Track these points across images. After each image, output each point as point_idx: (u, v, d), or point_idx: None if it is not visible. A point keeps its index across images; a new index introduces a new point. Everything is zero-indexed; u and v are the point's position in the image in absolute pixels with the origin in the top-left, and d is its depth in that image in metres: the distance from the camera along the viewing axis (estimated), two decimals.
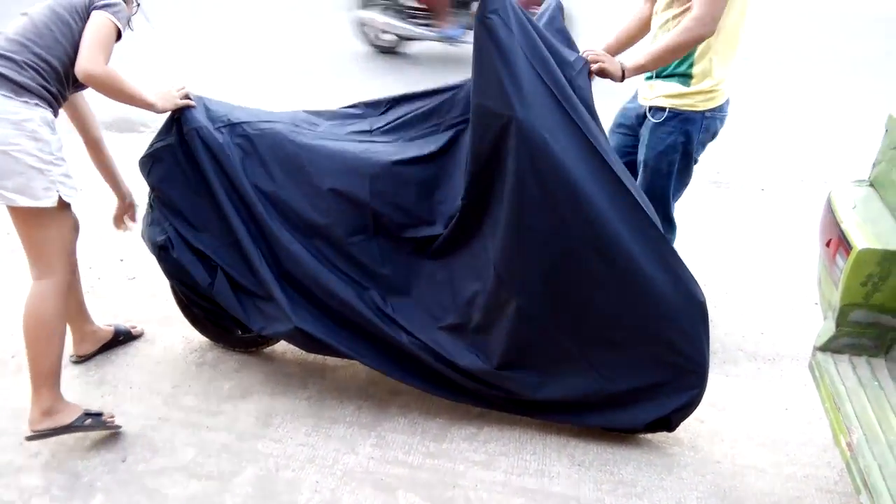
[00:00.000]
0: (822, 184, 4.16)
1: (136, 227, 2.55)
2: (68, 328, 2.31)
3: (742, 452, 2.27)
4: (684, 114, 2.35)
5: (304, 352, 2.59)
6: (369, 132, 2.34)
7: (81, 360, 2.58)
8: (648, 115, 2.41)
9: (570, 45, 2.11)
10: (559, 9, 2.21)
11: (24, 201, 1.98)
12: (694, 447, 2.29)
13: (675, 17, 2.26)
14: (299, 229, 2.22)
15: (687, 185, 2.55)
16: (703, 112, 2.34)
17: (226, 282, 2.26)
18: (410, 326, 2.17)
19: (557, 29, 2.09)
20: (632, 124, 2.56)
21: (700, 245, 3.52)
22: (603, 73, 2.13)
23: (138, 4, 2.26)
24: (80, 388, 2.46)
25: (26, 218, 2.04)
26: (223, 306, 2.30)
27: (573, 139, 1.88)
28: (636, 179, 2.45)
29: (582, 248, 1.97)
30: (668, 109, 2.35)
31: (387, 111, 2.38)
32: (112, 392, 2.45)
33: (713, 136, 2.44)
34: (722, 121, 2.43)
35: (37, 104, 1.98)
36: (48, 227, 2.07)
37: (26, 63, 1.97)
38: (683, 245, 3.52)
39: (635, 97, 2.56)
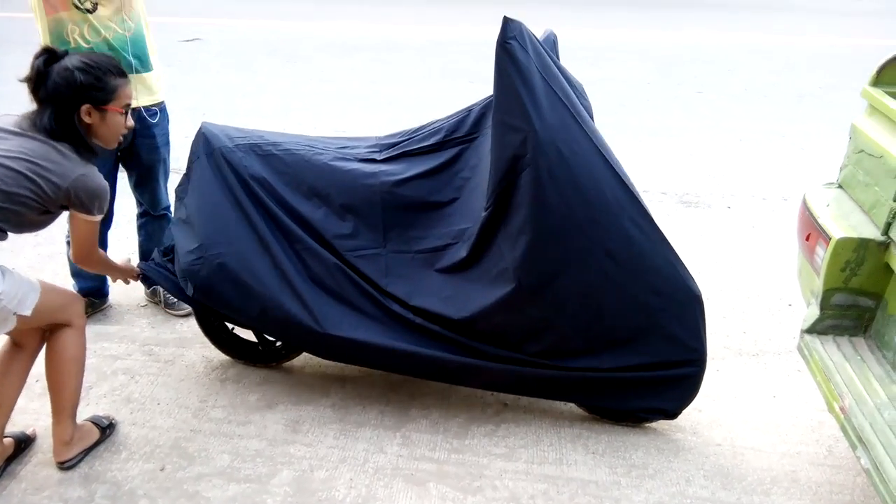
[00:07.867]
0: (782, 201, 4.48)
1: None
2: None
3: (740, 435, 2.47)
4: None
5: (322, 364, 2.74)
6: (376, 161, 2.49)
7: None
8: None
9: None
10: (554, 41, 2.44)
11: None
12: (695, 433, 2.48)
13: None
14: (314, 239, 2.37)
15: None
16: None
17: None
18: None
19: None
20: None
21: None
22: None
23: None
24: (107, 407, 2.53)
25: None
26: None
27: (585, 148, 2.09)
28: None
29: (594, 249, 2.16)
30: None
31: (395, 144, 2.53)
32: (140, 409, 2.53)
33: None
34: None
35: None
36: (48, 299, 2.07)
37: None
38: None
39: None
